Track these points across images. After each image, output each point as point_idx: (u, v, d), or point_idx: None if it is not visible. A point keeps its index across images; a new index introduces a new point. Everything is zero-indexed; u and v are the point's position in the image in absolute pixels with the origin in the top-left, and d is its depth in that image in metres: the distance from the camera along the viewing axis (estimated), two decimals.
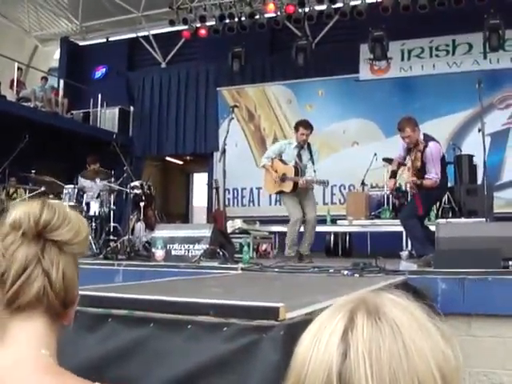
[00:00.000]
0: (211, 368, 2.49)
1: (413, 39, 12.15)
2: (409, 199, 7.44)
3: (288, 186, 7.73)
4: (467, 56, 11.96)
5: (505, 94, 11.69)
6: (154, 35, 14.79)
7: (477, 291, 5.05)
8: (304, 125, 7.85)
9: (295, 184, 7.62)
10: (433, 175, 6.86)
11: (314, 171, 7.73)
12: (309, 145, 7.91)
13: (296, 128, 7.89)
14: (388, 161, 9.79)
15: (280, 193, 8.03)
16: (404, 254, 8.41)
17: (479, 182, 9.35)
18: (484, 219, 7.74)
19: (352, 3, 11.51)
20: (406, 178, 6.72)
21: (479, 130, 7.38)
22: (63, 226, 1.15)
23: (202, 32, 12.67)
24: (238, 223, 9.32)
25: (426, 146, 6.83)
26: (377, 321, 0.82)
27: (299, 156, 7.85)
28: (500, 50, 11.26)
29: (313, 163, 7.79)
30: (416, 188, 6.92)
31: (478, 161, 8.88)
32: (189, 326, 2.60)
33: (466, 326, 5.15)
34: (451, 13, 10.84)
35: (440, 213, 9.28)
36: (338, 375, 0.78)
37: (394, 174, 7.46)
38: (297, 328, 2.50)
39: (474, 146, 8.40)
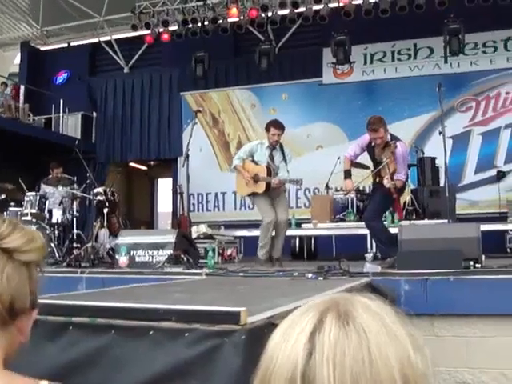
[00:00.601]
0: (174, 374, 2.48)
1: (375, 43, 12.29)
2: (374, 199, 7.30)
3: (260, 187, 7.59)
4: (428, 60, 12.13)
5: (465, 97, 11.89)
6: (116, 40, 14.68)
7: (439, 291, 5.11)
8: (274, 125, 7.72)
9: (268, 185, 7.49)
10: (402, 176, 6.91)
11: (287, 171, 7.65)
12: (281, 145, 7.80)
13: (267, 128, 7.76)
14: (353, 165, 9.87)
15: (252, 194, 7.86)
16: (369, 256, 8.47)
17: (442, 183, 9.49)
18: (447, 220, 7.84)
19: (315, 8, 11.56)
20: (385, 182, 6.67)
21: (440, 133, 7.47)
22: (13, 234, 1.12)
23: (165, 37, 12.60)
24: (203, 228, 9.29)
25: (395, 147, 6.86)
26: (345, 325, 0.82)
27: (271, 157, 7.73)
28: (460, 53, 11.43)
29: (285, 164, 7.70)
30: (395, 191, 6.91)
31: (441, 163, 8.99)
32: (151, 333, 2.58)
33: (429, 325, 5.21)
34: (412, 17, 10.97)
35: (404, 214, 9.39)
36: (302, 374, 0.79)
37: (349, 174, 7.36)
38: (258, 332, 2.50)
39: (437, 148, 8.52)
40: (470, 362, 5.23)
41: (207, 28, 12.15)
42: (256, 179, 7.56)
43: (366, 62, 12.40)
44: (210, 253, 6.87)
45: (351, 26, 11.26)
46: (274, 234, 7.72)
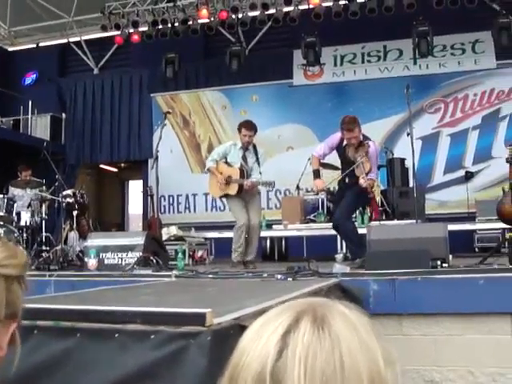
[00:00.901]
0: (140, 376, 2.47)
1: (345, 45, 12.37)
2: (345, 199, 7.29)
3: (233, 189, 7.59)
4: (398, 61, 12.25)
5: (434, 98, 12.02)
6: (85, 41, 14.54)
7: (407, 291, 5.16)
8: (246, 126, 7.73)
9: (240, 187, 7.49)
10: (373, 175, 6.97)
11: (260, 173, 7.66)
12: (254, 146, 7.80)
13: (239, 129, 7.76)
14: (322, 165, 9.90)
15: (225, 196, 7.87)
16: (339, 256, 8.52)
17: (411, 184, 9.57)
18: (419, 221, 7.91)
19: (285, 10, 11.60)
20: (362, 182, 6.70)
21: (408, 134, 7.54)
22: None
23: (135, 37, 12.53)
24: (173, 230, 9.25)
25: (369, 146, 6.92)
26: (319, 330, 0.82)
27: (244, 158, 7.72)
28: (429, 55, 11.56)
29: (258, 165, 7.71)
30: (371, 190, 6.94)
31: (410, 164, 9.07)
32: (116, 335, 2.57)
33: (397, 325, 5.25)
34: (382, 20, 11.07)
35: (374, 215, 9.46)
36: (271, 372, 0.79)
37: (318, 174, 7.38)
38: (224, 333, 2.50)
39: (406, 149, 8.59)
40: (438, 360, 5.28)
41: (177, 29, 12.12)
42: (229, 181, 7.55)
43: (336, 64, 12.47)
44: (180, 255, 6.84)
45: (321, 28, 11.32)
46: (247, 236, 7.70)
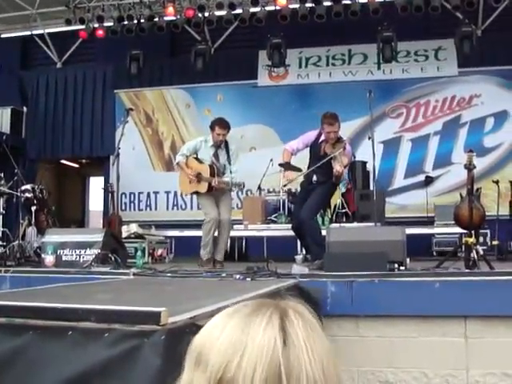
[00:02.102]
0: (93, 374, 2.45)
1: (310, 48, 12.42)
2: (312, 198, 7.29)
3: (203, 187, 7.51)
4: (362, 66, 12.34)
5: (397, 103, 12.16)
6: (49, 34, 14.29)
7: (364, 293, 5.22)
8: (220, 124, 7.66)
9: (210, 185, 7.43)
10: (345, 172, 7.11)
11: (231, 172, 7.60)
12: (226, 144, 7.74)
13: (212, 127, 7.68)
14: (284, 166, 9.94)
15: (195, 193, 7.82)
16: (299, 257, 8.55)
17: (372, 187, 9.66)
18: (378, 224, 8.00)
19: (252, 10, 11.60)
20: (338, 167, 6.80)
21: (369, 138, 7.64)
22: None
23: (100, 33, 12.38)
24: (134, 228, 9.20)
25: (345, 144, 7.12)
26: (305, 321, 0.90)
27: (216, 155, 7.66)
28: (393, 61, 11.68)
29: (230, 163, 7.65)
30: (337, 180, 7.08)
31: (372, 167, 9.17)
32: (69, 333, 2.55)
33: (354, 326, 5.31)
34: (347, 24, 11.17)
35: (334, 217, 9.54)
36: (283, 359, 0.84)
37: (289, 166, 7.41)
38: (179, 332, 2.49)
39: (368, 152, 8.67)
40: (393, 362, 5.36)
41: (143, 26, 12.01)
42: (199, 178, 7.48)
43: (301, 66, 12.51)
44: (139, 252, 6.81)
45: (287, 30, 11.36)
46: (216, 234, 7.66)
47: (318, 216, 8.71)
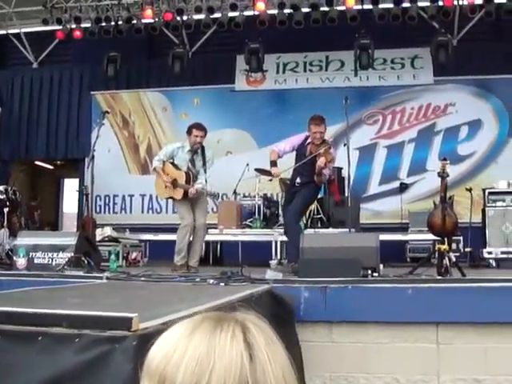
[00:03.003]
0: (63, 380, 2.43)
1: (288, 53, 12.46)
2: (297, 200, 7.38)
3: (178, 193, 7.52)
4: (339, 72, 12.42)
5: (373, 110, 12.25)
6: (25, 33, 14.15)
7: (338, 299, 5.24)
8: (196, 126, 7.68)
9: (185, 192, 7.44)
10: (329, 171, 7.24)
11: (206, 180, 7.60)
12: (203, 149, 7.72)
13: (189, 131, 7.66)
14: (260, 171, 9.98)
15: (171, 198, 7.84)
16: (273, 262, 8.59)
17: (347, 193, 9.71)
18: (352, 230, 8.05)
19: (230, 15, 11.61)
20: (322, 160, 6.99)
21: (344, 145, 7.69)
22: None
23: (77, 33, 12.29)
24: (108, 231, 9.12)
25: (330, 146, 7.28)
26: (264, 332, 0.91)
27: (192, 161, 7.66)
28: (370, 68, 11.77)
29: (205, 171, 7.64)
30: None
31: (347, 173, 9.22)
32: (40, 338, 2.52)
33: (327, 332, 5.33)
34: (325, 30, 11.22)
35: (309, 223, 9.57)
36: (250, 373, 0.85)
37: (275, 164, 7.52)
38: (150, 338, 2.47)
39: (343, 159, 8.70)
40: (366, 367, 5.38)
41: (121, 28, 11.95)
42: (174, 185, 7.48)
43: (278, 71, 12.55)
44: (113, 256, 6.76)
45: (265, 35, 11.38)
46: (191, 239, 7.62)
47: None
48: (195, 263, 7.60)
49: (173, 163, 7.67)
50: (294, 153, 7.58)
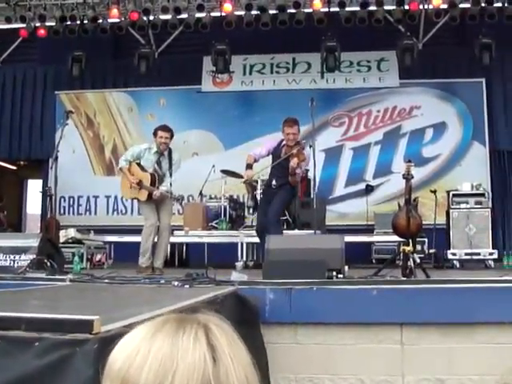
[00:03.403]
0: None
1: (255, 55, 12.46)
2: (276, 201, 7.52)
3: (143, 195, 7.55)
4: (306, 74, 12.46)
5: (339, 112, 12.32)
6: None
7: (303, 301, 5.24)
8: (162, 128, 7.76)
9: (150, 194, 7.47)
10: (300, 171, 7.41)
11: (171, 183, 7.62)
12: (170, 152, 7.76)
13: (154, 133, 7.71)
14: (226, 172, 9.98)
15: (135, 199, 7.87)
16: (239, 264, 8.58)
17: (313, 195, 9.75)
18: (318, 231, 8.08)
19: (197, 15, 11.55)
20: (295, 161, 7.17)
21: (310, 146, 7.72)
22: None
23: (41, 32, 12.09)
24: (72, 232, 9.01)
25: (303, 147, 7.42)
26: (226, 333, 0.90)
27: (159, 163, 7.69)
28: (336, 70, 11.83)
29: (170, 174, 7.66)
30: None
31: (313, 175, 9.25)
32: None
33: (292, 334, 5.33)
34: (292, 32, 11.23)
35: None
36: (213, 376, 0.84)
37: (250, 167, 7.71)
38: (112, 341, 2.43)
39: (310, 160, 8.74)
40: (331, 368, 5.40)
41: (86, 27, 11.79)
42: (140, 186, 7.48)
43: (245, 73, 12.54)
44: (77, 258, 6.67)
45: (232, 36, 11.36)
46: (156, 240, 7.65)
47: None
48: (160, 265, 7.59)
49: (139, 164, 7.67)
50: (271, 156, 7.72)
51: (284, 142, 7.53)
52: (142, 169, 7.63)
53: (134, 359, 0.88)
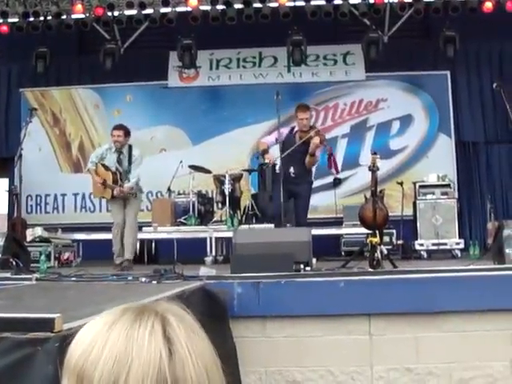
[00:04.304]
0: None
1: (221, 49, 12.40)
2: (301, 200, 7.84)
3: (108, 193, 7.81)
4: (272, 68, 12.45)
5: None
6: None
7: (271, 294, 5.26)
8: (114, 127, 8.00)
9: (113, 192, 7.70)
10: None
11: (128, 180, 7.80)
12: (130, 148, 7.97)
13: (111, 133, 7.95)
14: (194, 168, 9.95)
15: (103, 198, 8.19)
16: (208, 259, 8.58)
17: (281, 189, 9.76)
18: (285, 225, 8.10)
19: (162, 10, 11.48)
20: (316, 139, 7.39)
21: (276, 140, 7.74)
22: None
23: (4, 29, 11.90)
24: (38, 231, 8.89)
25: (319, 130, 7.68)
26: (186, 324, 0.88)
27: (119, 161, 7.89)
28: (302, 64, 11.85)
29: (129, 171, 7.84)
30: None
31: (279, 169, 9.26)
32: None
33: (261, 327, 5.35)
34: (258, 26, 11.22)
35: (244, 219, 9.59)
36: (169, 370, 0.82)
37: (267, 151, 8.05)
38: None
39: (277, 154, 8.76)
40: (300, 361, 5.44)
41: (50, 23, 11.63)
42: (105, 185, 7.74)
43: (211, 68, 12.48)
44: (43, 257, 6.59)
45: (198, 31, 11.31)
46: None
47: (226, 217, 8.89)
48: (129, 256, 7.80)
49: (103, 164, 7.91)
50: (278, 145, 7.81)
51: (296, 129, 7.73)
52: (106, 168, 7.86)
53: (89, 354, 0.87)
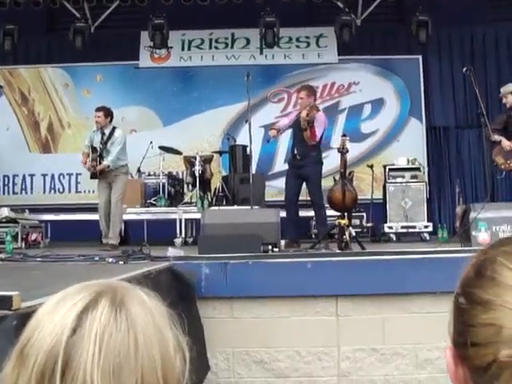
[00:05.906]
0: None
1: (193, 30, 12.29)
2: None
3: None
4: (245, 50, 12.38)
5: (278, 88, 12.32)
6: None
7: (238, 275, 5.26)
8: (96, 109, 8.41)
9: (95, 173, 8.17)
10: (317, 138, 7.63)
11: (107, 158, 8.10)
12: (113, 130, 8.32)
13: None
14: (164, 149, 9.89)
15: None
16: (178, 240, 8.56)
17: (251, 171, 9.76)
18: (256, 207, 8.11)
19: None
20: (303, 113, 7.42)
21: (246, 121, 7.72)
22: None
23: None
24: (5, 212, 8.77)
25: (318, 110, 7.77)
26: (117, 311, 0.82)
27: (102, 142, 8.20)
28: (275, 46, 11.81)
29: (110, 151, 8.14)
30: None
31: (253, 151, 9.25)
32: None
33: (228, 308, 5.36)
34: (231, 7, 11.13)
35: (214, 200, 9.57)
36: (64, 348, 0.78)
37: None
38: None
39: (247, 136, 8.74)
40: (267, 341, 5.46)
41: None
42: (93, 166, 8.15)
43: (183, 48, 12.36)
44: (9, 237, 6.51)
45: (170, 11, 11.18)
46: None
47: (197, 198, 8.84)
48: (114, 241, 8.05)
49: (93, 146, 8.25)
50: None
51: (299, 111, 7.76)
52: (94, 150, 8.21)
53: (31, 336, 0.84)
